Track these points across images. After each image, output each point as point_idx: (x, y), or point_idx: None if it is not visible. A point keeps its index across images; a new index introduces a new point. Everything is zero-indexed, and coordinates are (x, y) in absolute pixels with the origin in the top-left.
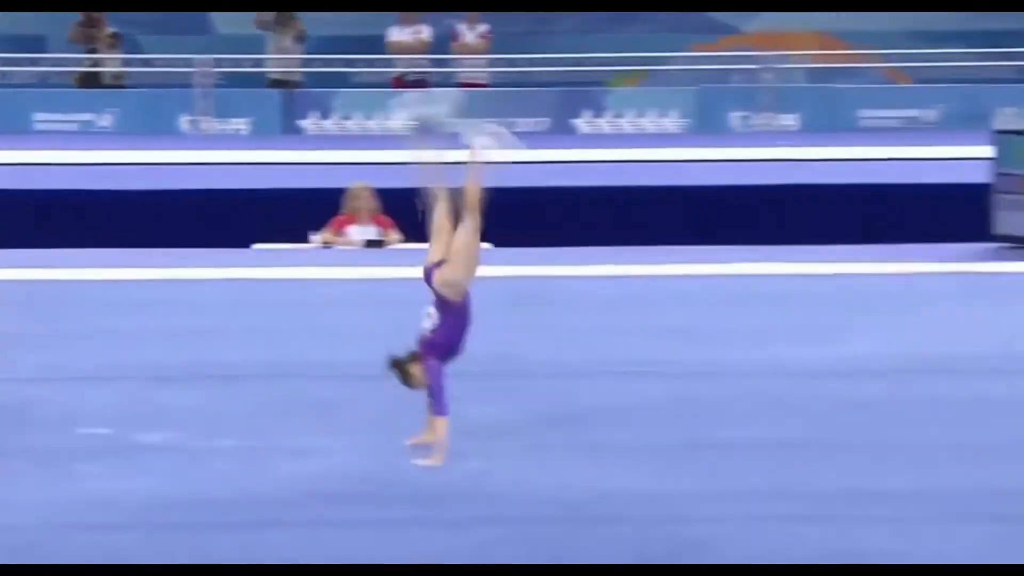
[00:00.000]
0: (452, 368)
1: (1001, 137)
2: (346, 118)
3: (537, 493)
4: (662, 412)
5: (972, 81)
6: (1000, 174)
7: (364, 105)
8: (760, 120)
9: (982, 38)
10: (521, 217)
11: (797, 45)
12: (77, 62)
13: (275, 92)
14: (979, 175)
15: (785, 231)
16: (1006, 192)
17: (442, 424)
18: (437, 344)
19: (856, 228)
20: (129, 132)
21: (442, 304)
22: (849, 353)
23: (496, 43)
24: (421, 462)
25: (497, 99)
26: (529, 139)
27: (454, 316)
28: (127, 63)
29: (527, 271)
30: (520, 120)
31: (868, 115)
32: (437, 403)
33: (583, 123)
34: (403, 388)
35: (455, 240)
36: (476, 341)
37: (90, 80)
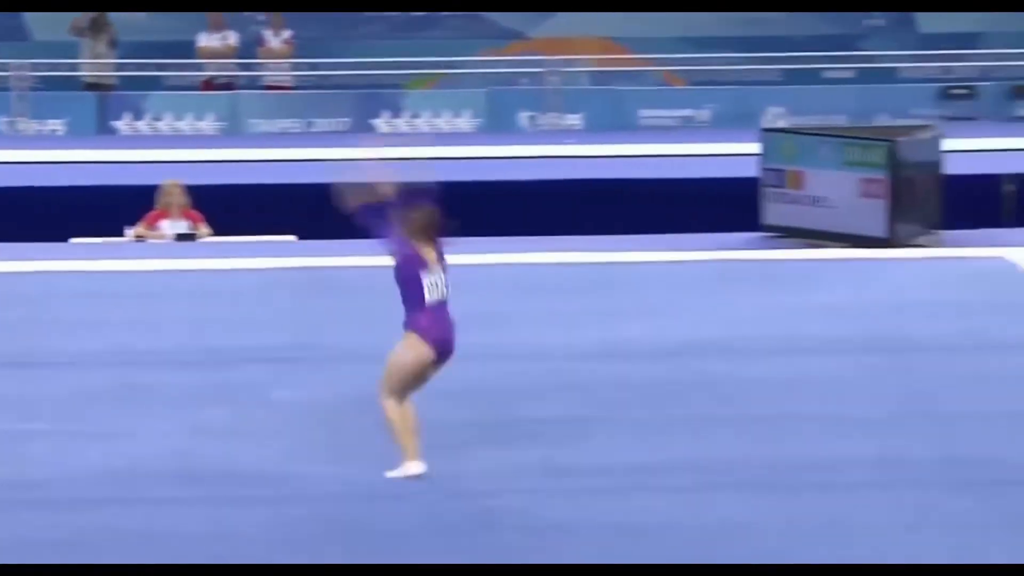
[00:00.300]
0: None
1: (767, 135)
2: (157, 119)
3: (338, 472)
4: (458, 394)
5: (741, 83)
6: (766, 169)
7: (175, 107)
8: (547, 120)
9: (750, 43)
10: (323, 212)
11: (581, 50)
12: None
13: (90, 95)
14: (748, 170)
15: (571, 223)
16: (772, 186)
17: None
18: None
19: (637, 219)
20: None
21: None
22: (629, 336)
23: (299, 48)
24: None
25: (301, 101)
26: (331, 139)
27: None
28: None
29: (331, 261)
30: (322, 121)
31: (647, 115)
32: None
33: (382, 123)
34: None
35: None
36: (281, 328)
37: None
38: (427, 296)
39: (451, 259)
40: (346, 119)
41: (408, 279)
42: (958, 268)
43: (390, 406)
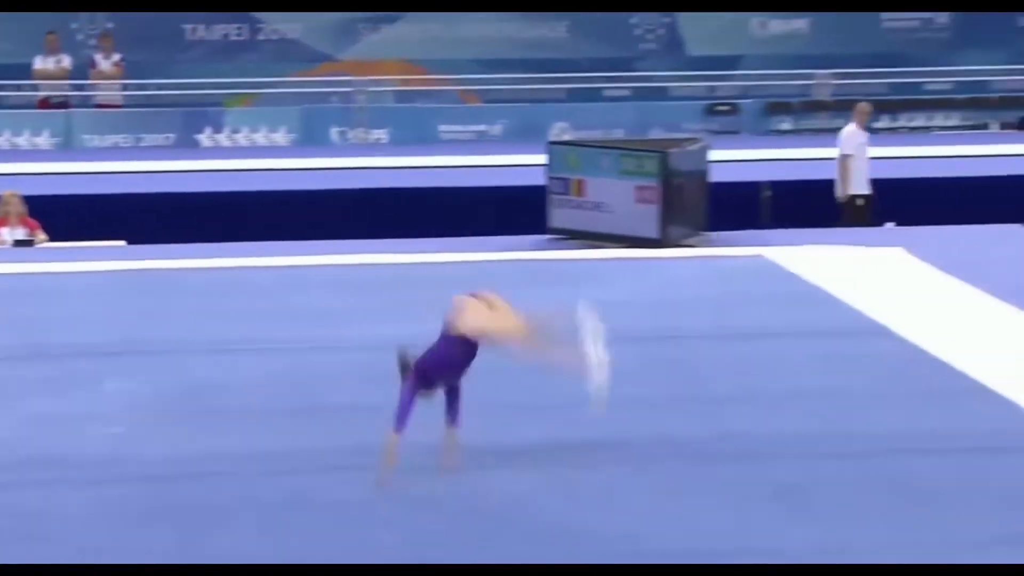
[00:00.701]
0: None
1: (553, 147)
2: None
3: (163, 454)
4: (273, 382)
5: (529, 101)
6: (552, 178)
7: (13, 124)
8: (356, 134)
9: (537, 65)
10: (154, 218)
11: (385, 71)
12: None
13: None
14: (536, 179)
15: (379, 227)
16: (557, 193)
17: (390, 439)
18: (420, 364)
19: (438, 224)
20: None
21: (445, 331)
22: (429, 329)
23: (129, 70)
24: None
25: (130, 118)
26: (157, 152)
27: (447, 346)
28: None
29: (157, 264)
30: (149, 136)
31: (446, 129)
32: (396, 418)
33: (205, 138)
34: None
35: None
36: (111, 326)
37: None
38: None
39: (259, 262)
40: (171, 135)
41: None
42: (723, 265)
43: None
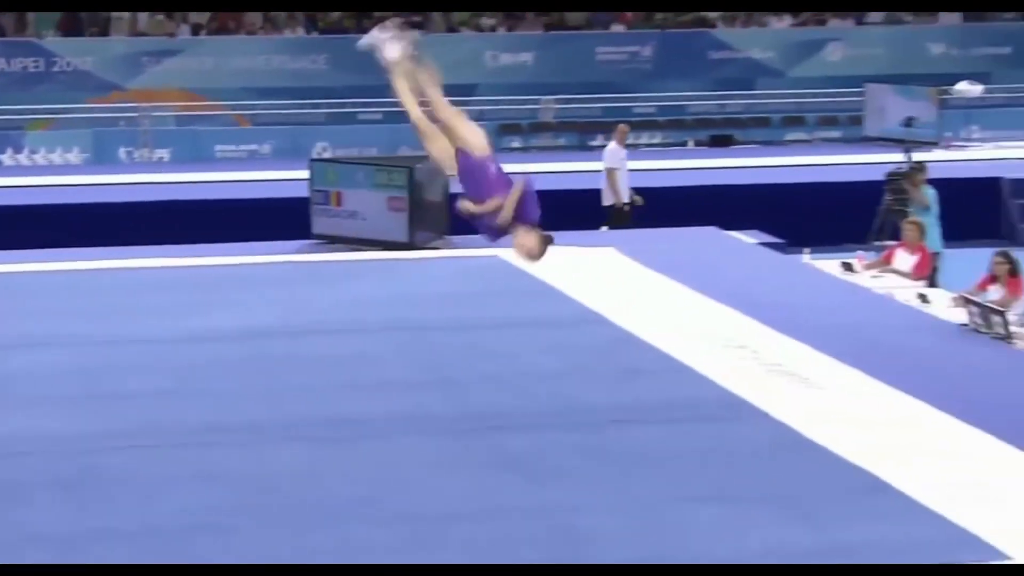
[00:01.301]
0: None
1: (315, 164)
2: None
3: None
4: (72, 373)
5: (294, 124)
6: (315, 190)
7: None
8: (141, 154)
9: (300, 92)
10: None
11: (167, 99)
12: None
13: None
14: (301, 191)
15: (163, 235)
16: (319, 203)
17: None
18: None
19: (215, 232)
20: None
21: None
22: (212, 324)
23: None
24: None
25: None
26: None
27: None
28: None
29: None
30: None
31: (221, 149)
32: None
33: (7, 158)
34: None
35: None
36: None
37: None
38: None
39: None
40: None
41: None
42: (463, 265)
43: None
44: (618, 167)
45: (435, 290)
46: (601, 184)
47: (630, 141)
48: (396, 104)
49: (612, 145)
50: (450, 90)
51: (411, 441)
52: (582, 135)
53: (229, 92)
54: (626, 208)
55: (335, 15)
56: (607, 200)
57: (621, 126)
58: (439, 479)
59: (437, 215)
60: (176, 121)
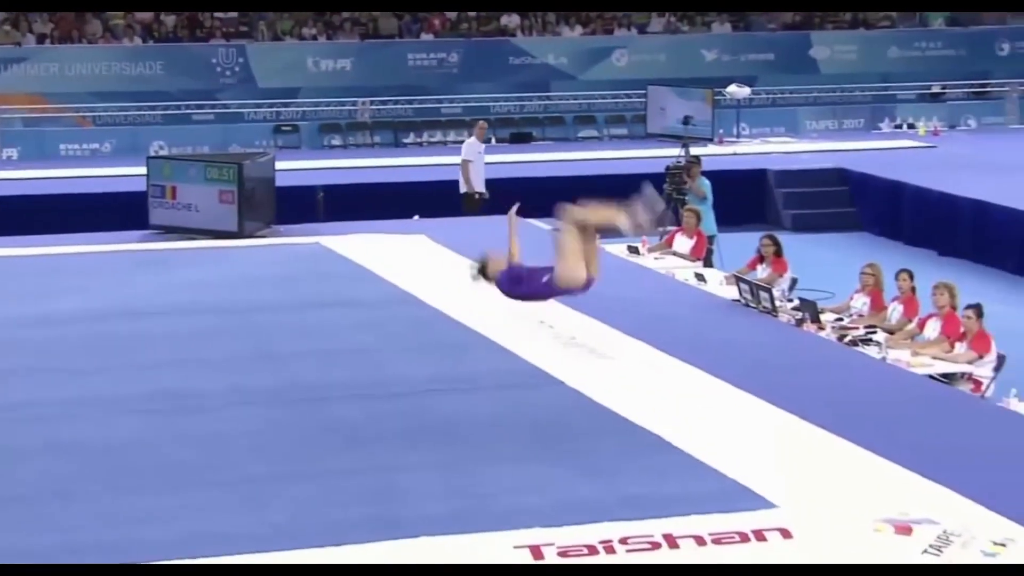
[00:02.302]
0: None
1: (152, 161)
2: None
3: None
4: None
5: (134, 124)
6: (152, 185)
7: None
8: None
9: (139, 96)
10: None
11: (15, 102)
12: None
13: None
14: (139, 186)
15: (12, 227)
16: (156, 197)
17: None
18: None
19: (61, 223)
20: None
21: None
22: (57, 307)
23: None
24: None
25: None
26: None
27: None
28: None
29: None
30: None
31: (66, 148)
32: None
33: None
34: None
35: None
36: None
37: None
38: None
39: None
40: None
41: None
42: (288, 251)
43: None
44: (472, 159)
45: (262, 274)
46: (459, 174)
47: (437, 139)
48: (226, 106)
49: (470, 139)
50: (275, 93)
51: (242, 412)
52: (396, 133)
53: (73, 96)
54: (477, 197)
55: (170, 24)
56: (463, 188)
57: (481, 122)
58: (268, 445)
59: (264, 206)
60: (23, 122)
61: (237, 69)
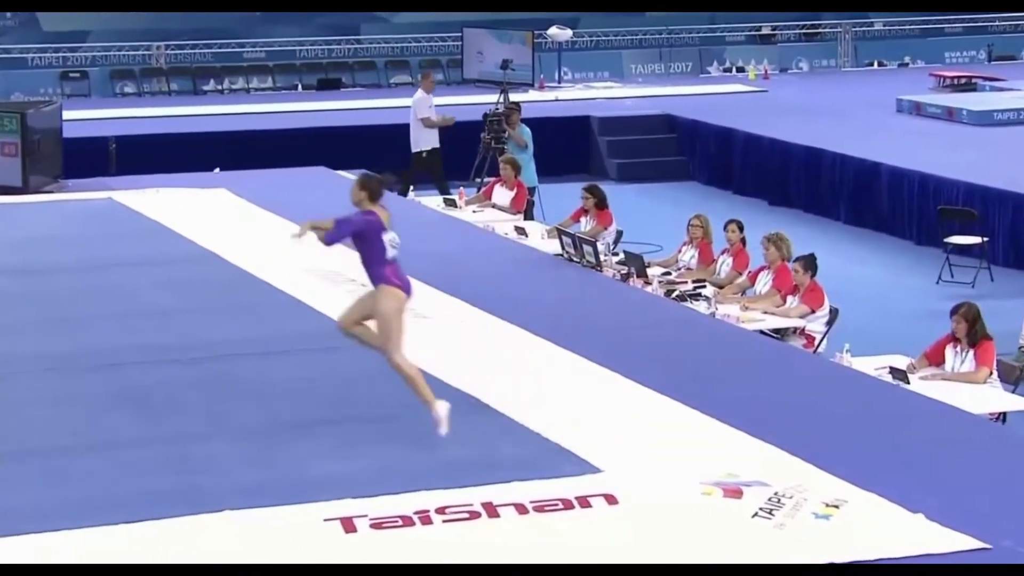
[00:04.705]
0: None
1: None
2: None
3: None
4: None
5: None
6: None
7: None
8: None
9: None
10: None
11: None
12: None
13: None
14: None
15: None
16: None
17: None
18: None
19: None
20: None
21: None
22: None
23: None
24: None
25: None
26: None
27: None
28: None
29: None
30: None
31: None
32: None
33: None
34: None
35: None
36: None
37: None
38: (388, 252)
39: None
40: None
41: (369, 241)
42: (78, 208)
43: (403, 362)
44: (431, 116)
45: (51, 232)
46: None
47: (239, 86)
48: (7, 51)
49: (420, 94)
50: (62, 36)
51: (30, 380)
52: (195, 80)
53: None
54: (423, 155)
55: None
56: (416, 147)
57: (428, 73)
58: (59, 416)
59: (51, 159)
60: None
61: (19, 12)
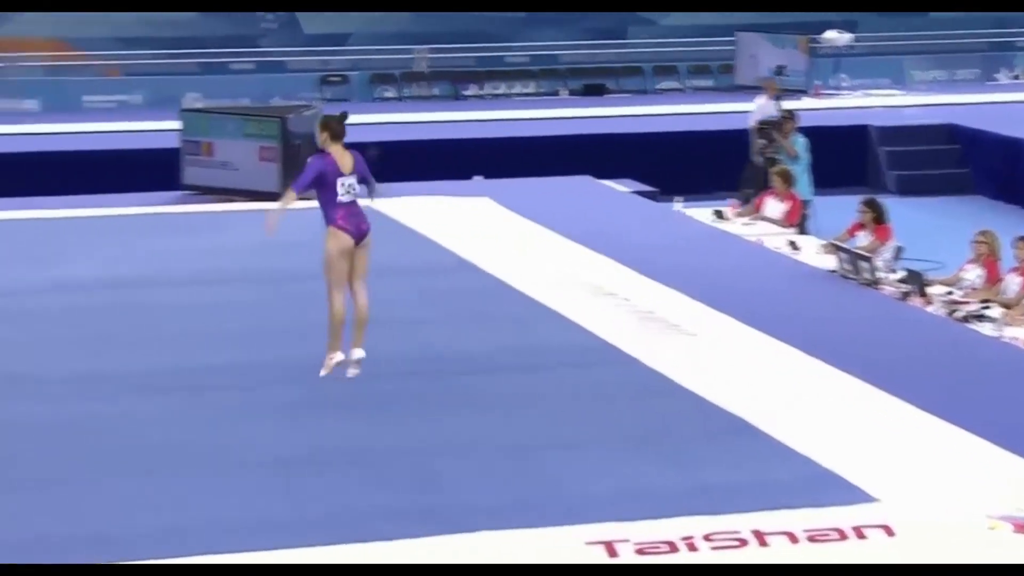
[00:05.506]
0: None
1: (186, 114)
2: None
3: None
4: None
5: (165, 74)
6: (185, 141)
7: None
8: (8, 104)
9: (171, 42)
10: None
11: (35, 48)
12: None
13: None
14: (171, 142)
15: (31, 188)
16: (190, 154)
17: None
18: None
19: (86, 183)
20: None
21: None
22: (76, 274)
23: None
24: None
25: None
26: None
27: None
28: None
29: None
30: None
31: (90, 99)
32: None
33: None
34: None
35: None
36: None
37: None
38: (340, 196)
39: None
40: None
41: (325, 184)
42: None
43: (332, 301)
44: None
45: (303, 239)
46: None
47: (501, 91)
48: (268, 54)
49: (761, 99)
50: (322, 39)
51: (271, 389)
52: (456, 84)
53: (99, 42)
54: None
55: None
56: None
57: (770, 80)
58: (300, 425)
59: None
60: (44, 71)
61: (280, 13)
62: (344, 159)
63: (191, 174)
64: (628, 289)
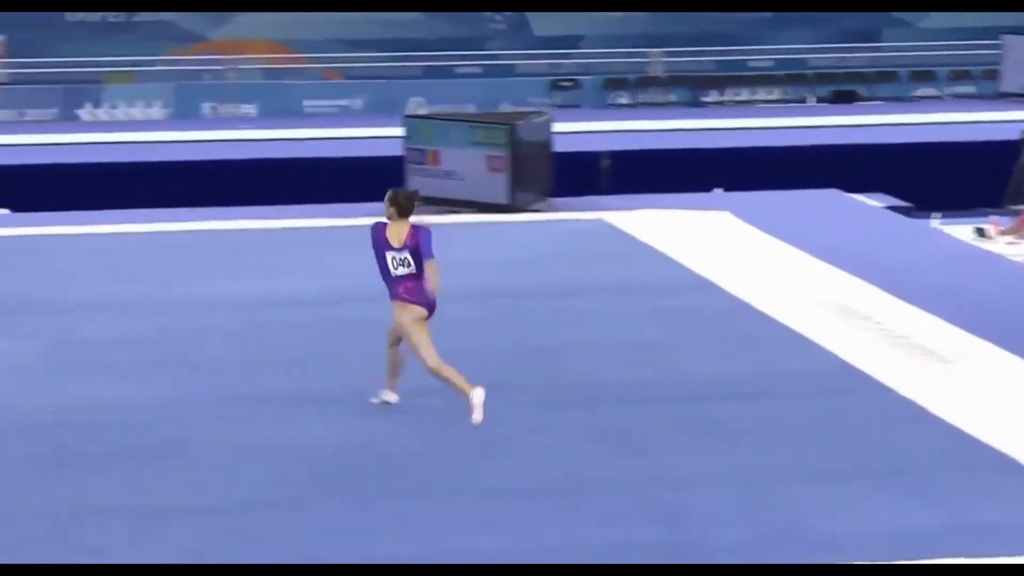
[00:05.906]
0: None
1: (410, 120)
2: None
3: (49, 404)
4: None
5: (388, 78)
6: (409, 148)
7: None
8: (226, 109)
9: (394, 44)
10: (36, 187)
11: (253, 50)
12: None
13: None
14: (394, 149)
15: (249, 195)
16: (414, 162)
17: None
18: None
19: (304, 191)
20: None
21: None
22: (291, 288)
23: (12, 49)
24: None
25: (14, 94)
26: (40, 127)
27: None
28: None
29: (40, 231)
30: (32, 111)
31: (310, 104)
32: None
33: (85, 113)
34: None
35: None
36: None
37: None
38: (393, 270)
39: (144, 228)
40: (53, 110)
41: (377, 255)
42: (566, 228)
43: (439, 368)
44: None
45: (535, 254)
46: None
47: (743, 97)
48: (495, 57)
49: None
50: (553, 42)
51: (504, 413)
52: (694, 90)
53: (319, 44)
54: None
55: None
56: None
57: None
58: (533, 452)
59: (539, 175)
60: (262, 74)
61: (509, 14)
62: (398, 233)
63: (415, 183)
64: (879, 311)
